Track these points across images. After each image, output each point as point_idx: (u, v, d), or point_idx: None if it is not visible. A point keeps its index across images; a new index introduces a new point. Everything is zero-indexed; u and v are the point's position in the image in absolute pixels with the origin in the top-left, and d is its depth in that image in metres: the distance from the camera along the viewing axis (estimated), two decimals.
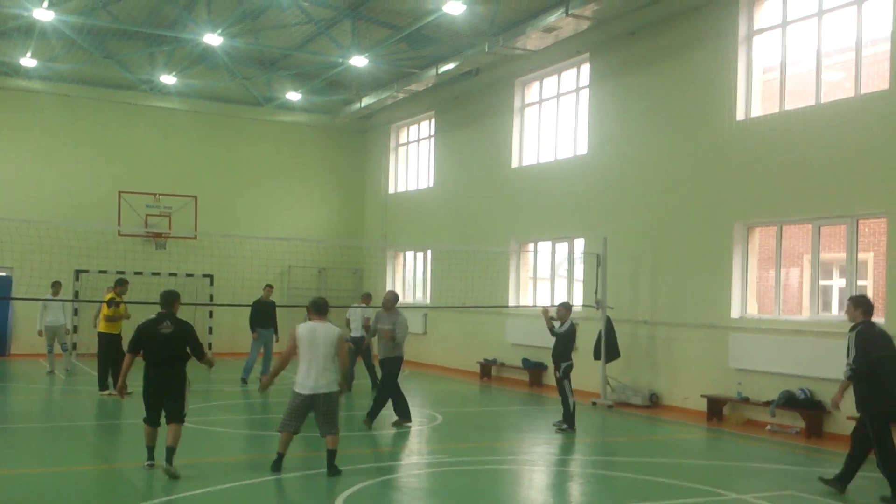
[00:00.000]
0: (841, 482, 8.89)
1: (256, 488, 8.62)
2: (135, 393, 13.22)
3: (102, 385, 15.23)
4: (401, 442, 11.92)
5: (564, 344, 12.80)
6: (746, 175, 14.30)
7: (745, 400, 13.72)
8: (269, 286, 18.51)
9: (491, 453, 10.97)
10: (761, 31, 14.60)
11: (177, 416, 8.94)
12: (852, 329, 8.83)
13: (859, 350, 8.59)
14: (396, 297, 13.13)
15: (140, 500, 7.99)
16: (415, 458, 10.94)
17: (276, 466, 9.11)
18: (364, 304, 17.06)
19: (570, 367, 12.74)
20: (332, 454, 9.09)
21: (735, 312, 14.42)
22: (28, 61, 21.49)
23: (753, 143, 14.25)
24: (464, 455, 10.58)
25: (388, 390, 12.65)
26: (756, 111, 14.63)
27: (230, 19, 19.07)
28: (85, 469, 9.71)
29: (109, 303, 15.22)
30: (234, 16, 18.98)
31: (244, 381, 17.38)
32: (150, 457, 9.06)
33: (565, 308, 13.06)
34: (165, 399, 8.96)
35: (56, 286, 18.60)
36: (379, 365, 12.94)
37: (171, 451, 8.73)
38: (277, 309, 18.25)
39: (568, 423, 12.68)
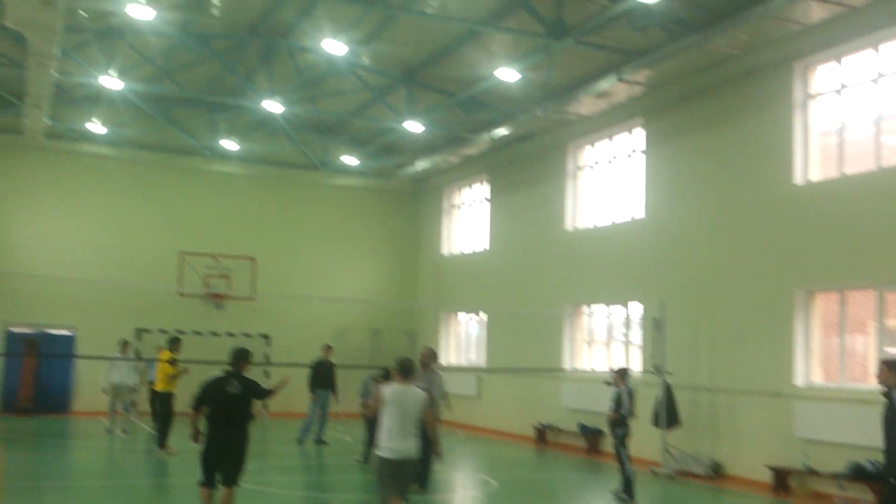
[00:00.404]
0: None
1: None
2: (186, 452, 13.40)
3: (162, 442, 15.45)
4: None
5: (621, 410, 12.57)
6: (806, 240, 14.10)
7: (812, 471, 13.31)
8: (329, 346, 18.65)
9: None
10: (817, 95, 14.54)
11: (233, 480, 8.78)
12: (889, 393, 8.67)
13: None
14: (434, 354, 12.76)
15: None
16: None
17: None
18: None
19: (626, 434, 12.49)
20: None
21: (799, 380, 14.08)
22: (96, 127, 22.33)
23: (812, 207, 14.08)
24: None
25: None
26: (814, 175, 14.48)
27: (290, 87, 19.66)
28: None
29: (171, 362, 15.51)
30: (294, 84, 19.56)
31: (300, 442, 17.43)
32: None
33: (620, 374, 12.88)
34: (229, 461, 8.76)
35: (124, 345, 18.95)
36: None
37: None
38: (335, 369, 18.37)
39: (628, 491, 12.43)
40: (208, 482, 8.82)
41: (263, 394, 9.04)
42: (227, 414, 8.69)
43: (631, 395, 12.70)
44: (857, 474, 12.48)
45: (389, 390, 8.82)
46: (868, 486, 12.30)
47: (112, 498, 11.80)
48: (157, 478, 13.68)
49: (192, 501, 11.26)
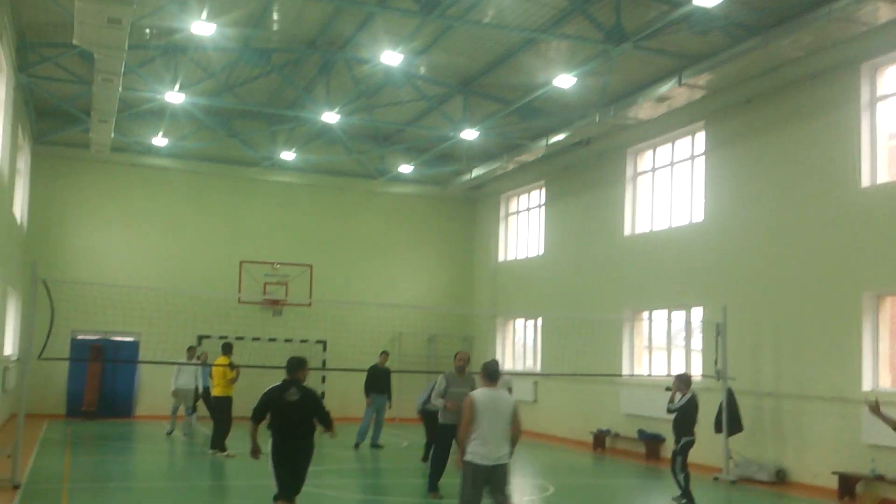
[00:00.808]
0: None
1: None
2: (239, 455, 13.60)
3: (221, 445, 15.81)
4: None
5: (684, 417, 12.41)
6: (873, 243, 13.86)
7: (880, 478, 13.04)
8: (385, 353, 18.84)
9: None
10: (885, 96, 14.30)
11: (297, 491, 8.62)
12: None
13: None
14: (468, 358, 12.50)
15: None
16: None
17: None
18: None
19: (689, 444, 12.31)
20: None
21: (866, 385, 13.82)
22: (159, 140, 22.88)
23: (880, 210, 13.84)
24: None
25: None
26: (882, 178, 14.24)
27: (347, 98, 19.93)
28: None
29: (231, 366, 15.88)
30: (351, 95, 19.83)
31: (357, 445, 17.61)
32: None
33: (682, 381, 12.70)
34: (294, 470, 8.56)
35: (191, 351, 19.38)
36: (438, 429, 12.31)
37: None
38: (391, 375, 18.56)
39: (687, 498, 12.23)
40: (287, 496, 8.51)
41: (323, 414, 8.74)
42: (290, 423, 8.49)
43: (693, 402, 12.51)
44: None
45: (480, 395, 8.54)
46: None
47: (172, 499, 12.06)
48: (217, 480, 13.94)
49: (251, 500, 11.48)
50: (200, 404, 18.87)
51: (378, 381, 18.11)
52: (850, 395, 13.91)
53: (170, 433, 18.69)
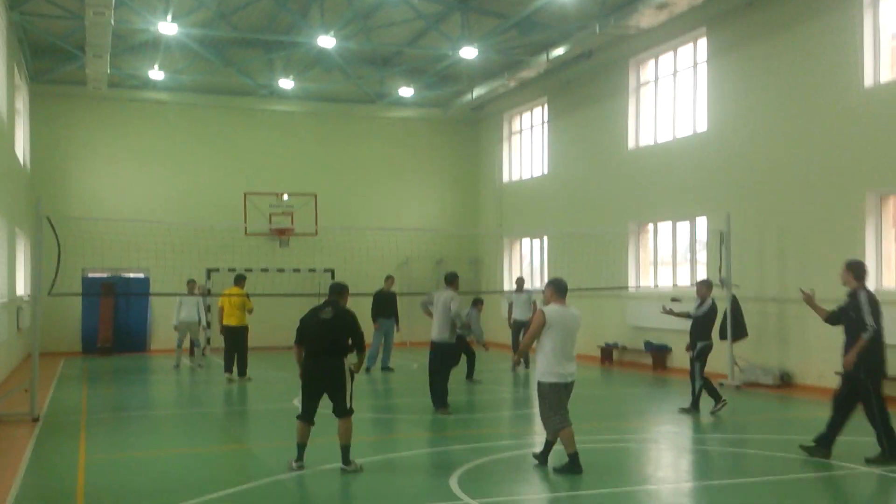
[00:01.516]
0: (826, 447, 8.95)
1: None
2: (255, 379, 13.85)
3: (243, 371, 16.37)
4: (525, 424, 12.00)
5: (703, 322, 12.29)
6: (876, 142, 13.67)
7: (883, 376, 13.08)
8: (390, 277, 18.96)
9: (616, 432, 10.91)
10: None
11: (344, 411, 8.36)
12: (854, 292, 9.04)
13: (873, 311, 8.84)
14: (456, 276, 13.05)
15: (268, 475, 8.32)
16: (539, 437, 10.99)
17: (576, 465, 8.24)
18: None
19: (707, 348, 12.25)
20: (550, 445, 8.59)
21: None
22: (155, 74, 22.65)
23: (883, 109, 13.61)
24: (589, 434, 10.52)
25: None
26: (885, 77, 13.96)
27: (342, 21, 19.59)
28: (219, 449, 10.24)
29: (247, 297, 16.40)
30: (346, 17, 19.50)
31: (368, 370, 17.83)
32: (300, 456, 8.44)
33: (705, 286, 12.54)
34: (328, 393, 8.39)
35: (191, 284, 19.54)
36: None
37: (346, 450, 8.33)
38: (398, 299, 18.70)
39: (694, 406, 12.27)
40: (306, 416, 8.44)
41: (357, 334, 8.48)
42: (318, 340, 8.32)
43: (714, 308, 12.35)
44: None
45: (554, 311, 8.30)
46: None
47: (188, 424, 12.30)
48: (230, 406, 14.18)
49: (267, 426, 11.73)
50: (216, 337, 19.14)
51: (384, 306, 18.29)
52: None
53: (177, 367, 18.91)
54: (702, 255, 17.87)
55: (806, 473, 8.57)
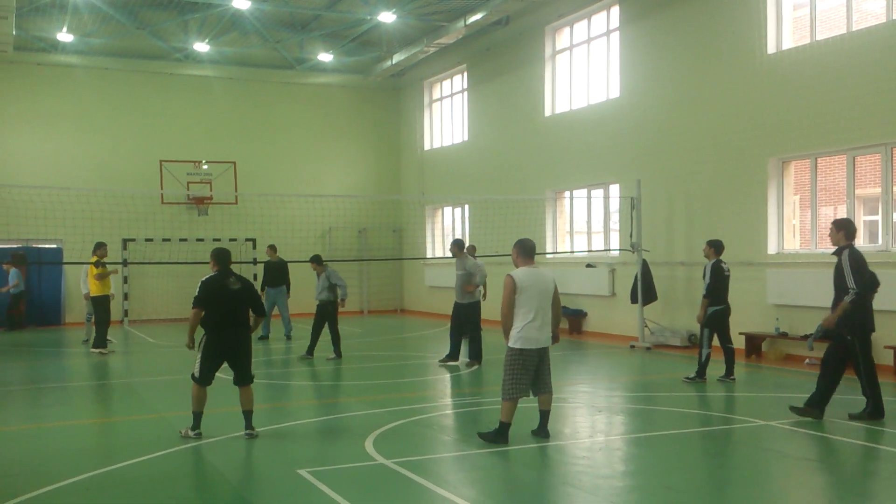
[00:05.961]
0: (819, 408, 8.95)
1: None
2: (117, 352, 13.48)
3: (102, 343, 16.08)
4: (438, 385, 12.18)
5: (712, 285, 11.61)
6: (778, 109, 14.12)
7: (784, 335, 13.70)
8: (272, 246, 19.23)
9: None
10: None
11: (248, 378, 8.50)
12: (839, 252, 8.92)
13: (856, 272, 8.71)
14: (460, 244, 14.03)
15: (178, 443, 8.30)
16: (447, 399, 11.19)
17: (502, 436, 7.88)
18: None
19: (717, 314, 11.63)
20: (546, 415, 8.19)
21: (772, 248, 14.33)
22: (64, 36, 21.89)
23: (785, 75, 14.04)
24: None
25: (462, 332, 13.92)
26: (787, 44, 14.39)
27: None
28: (133, 419, 10.14)
29: (97, 264, 15.82)
30: None
31: (261, 338, 17.93)
32: (198, 425, 8.43)
33: (714, 246, 11.81)
34: (234, 361, 8.46)
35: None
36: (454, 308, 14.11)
37: (250, 415, 8.44)
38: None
39: (699, 375, 11.72)
40: (206, 380, 8.43)
41: (259, 304, 8.71)
42: (231, 312, 8.36)
43: (716, 270, 11.62)
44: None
45: (524, 274, 7.72)
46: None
47: (106, 395, 12.12)
48: (113, 378, 13.99)
49: (159, 393, 11.59)
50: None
51: (270, 275, 18.55)
52: (757, 258, 14.43)
53: (86, 341, 18.29)
54: (615, 222, 18.25)
55: (708, 427, 8.90)
